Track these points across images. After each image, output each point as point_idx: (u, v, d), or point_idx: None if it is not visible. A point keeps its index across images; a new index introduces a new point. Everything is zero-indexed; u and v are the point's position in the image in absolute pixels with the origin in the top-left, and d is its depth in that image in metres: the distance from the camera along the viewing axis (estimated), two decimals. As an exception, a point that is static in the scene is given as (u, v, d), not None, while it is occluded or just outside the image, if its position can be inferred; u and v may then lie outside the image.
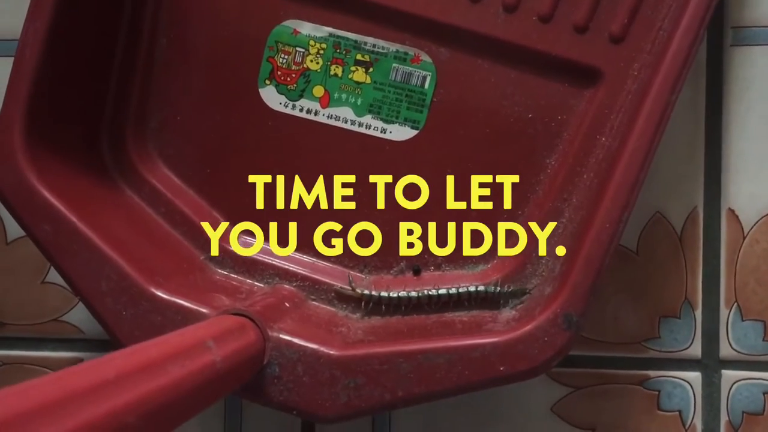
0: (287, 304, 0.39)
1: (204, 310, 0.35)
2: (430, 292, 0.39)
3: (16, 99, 0.36)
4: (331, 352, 0.34)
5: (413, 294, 0.40)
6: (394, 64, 0.42)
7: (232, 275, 0.42)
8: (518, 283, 0.39)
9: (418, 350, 0.34)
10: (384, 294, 0.40)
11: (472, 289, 0.39)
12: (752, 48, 0.41)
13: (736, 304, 0.42)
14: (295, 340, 0.35)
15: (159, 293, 0.35)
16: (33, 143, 0.36)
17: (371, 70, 0.42)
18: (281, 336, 0.35)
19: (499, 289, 0.39)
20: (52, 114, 0.38)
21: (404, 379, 0.34)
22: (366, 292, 0.40)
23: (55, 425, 0.18)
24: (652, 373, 0.42)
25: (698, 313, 0.42)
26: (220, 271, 0.42)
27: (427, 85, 0.42)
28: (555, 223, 0.39)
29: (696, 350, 0.42)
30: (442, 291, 0.39)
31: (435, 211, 0.41)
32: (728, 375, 0.42)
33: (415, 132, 0.42)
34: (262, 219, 0.43)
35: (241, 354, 0.30)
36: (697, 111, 0.42)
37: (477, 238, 0.41)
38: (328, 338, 0.36)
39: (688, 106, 0.42)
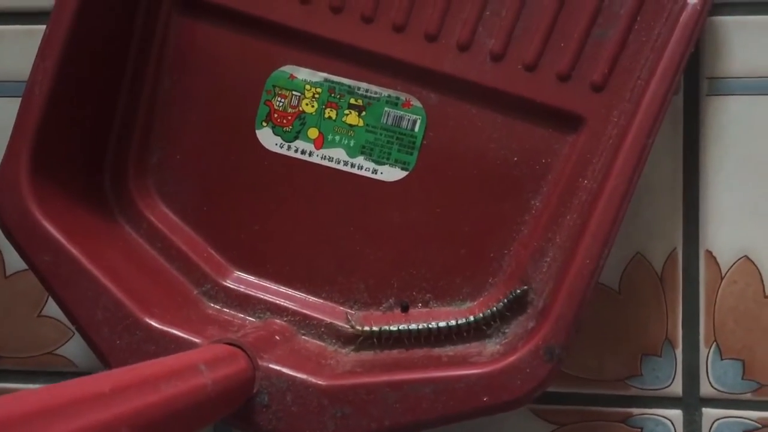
0: (278, 338, 0.40)
1: (197, 340, 0.36)
2: (430, 325, 0.40)
3: (23, 133, 0.38)
4: (320, 382, 0.35)
5: (413, 327, 0.40)
6: (386, 108, 0.44)
7: (225, 309, 0.43)
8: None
9: (405, 381, 0.35)
10: (385, 328, 0.41)
11: (471, 319, 0.40)
12: (727, 97, 0.43)
13: (715, 343, 0.43)
14: (285, 370, 0.35)
15: (153, 323, 0.36)
16: (37, 176, 0.38)
17: (364, 113, 0.44)
18: (271, 366, 0.36)
19: (497, 306, 0.40)
20: (57, 149, 0.40)
21: (391, 409, 0.35)
22: (366, 328, 0.41)
23: (48, 429, 0.19)
24: (635, 410, 0.43)
25: (679, 351, 0.43)
26: (212, 305, 0.43)
27: (417, 129, 0.43)
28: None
29: (677, 388, 0.43)
30: (442, 324, 0.40)
31: (424, 249, 0.43)
32: (709, 413, 0.43)
33: (405, 173, 0.44)
34: (256, 255, 0.44)
35: (232, 380, 0.31)
36: (676, 157, 0.43)
37: (465, 276, 0.42)
38: (317, 369, 0.37)
39: (667, 152, 0.43)
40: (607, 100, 0.41)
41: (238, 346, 0.35)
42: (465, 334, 0.40)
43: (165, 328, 0.36)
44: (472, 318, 0.40)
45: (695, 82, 0.43)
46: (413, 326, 0.40)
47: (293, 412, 0.35)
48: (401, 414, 0.35)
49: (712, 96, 0.43)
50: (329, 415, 0.35)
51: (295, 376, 0.35)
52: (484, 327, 0.40)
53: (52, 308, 0.46)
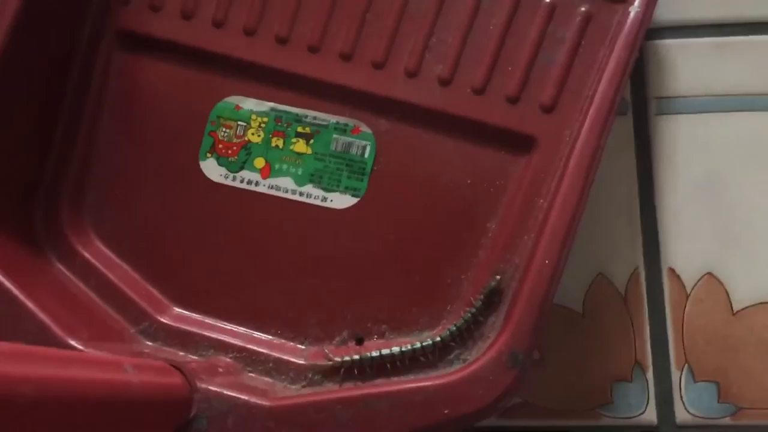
0: (221, 369, 0.37)
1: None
2: (414, 346, 0.37)
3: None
4: (264, 402, 0.32)
5: (395, 350, 0.37)
6: (334, 135, 0.43)
7: (164, 348, 0.40)
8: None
9: (357, 396, 0.32)
10: (366, 355, 0.38)
11: (453, 329, 0.37)
12: (676, 116, 0.43)
13: (687, 365, 0.41)
14: (226, 392, 0.32)
15: (79, 346, 0.33)
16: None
17: (312, 141, 0.43)
18: (210, 388, 0.32)
19: (476, 305, 0.37)
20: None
21: (344, 427, 0.32)
22: (347, 358, 0.38)
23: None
24: (609, 442, 0.40)
25: (650, 375, 0.41)
26: (150, 344, 0.40)
27: (366, 155, 0.42)
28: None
29: (651, 416, 0.40)
30: (426, 343, 0.37)
31: (378, 278, 0.41)
32: (687, 441, 0.40)
33: (356, 200, 0.42)
34: (199, 290, 0.41)
35: (162, 390, 0.28)
36: (630, 176, 0.43)
37: (421, 305, 0.40)
38: (262, 393, 0.33)
39: (622, 172, 0.43)
40: (557, 121, 0.41)
41: (175, 367, 0.31)
42: (436, 354, 0.37)
43: (81, 350, 0.33)
44: (454, 327, 0.37)
45: (643, 103, 0.44)
46: (395, 349, 0.37)
47: (235, 437, 0.31)
48: (355, 433, 0.31)
49: (661, 115, 0.43)
50: (275, 439, 0.31)
51: (238, 397, 0.32)
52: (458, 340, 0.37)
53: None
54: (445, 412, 0.31)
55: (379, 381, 0.36)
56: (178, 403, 0.30)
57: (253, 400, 0.32)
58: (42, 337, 0.33)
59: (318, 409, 0.32)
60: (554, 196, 0.37)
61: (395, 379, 0.38)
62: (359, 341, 0.40)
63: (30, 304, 0.33)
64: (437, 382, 0.32)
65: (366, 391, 0.32)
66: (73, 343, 0.33)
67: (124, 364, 0.26)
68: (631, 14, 0.39)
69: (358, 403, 0.32)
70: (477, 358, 0.33)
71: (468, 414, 0.31)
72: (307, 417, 0.32)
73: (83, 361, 0.23)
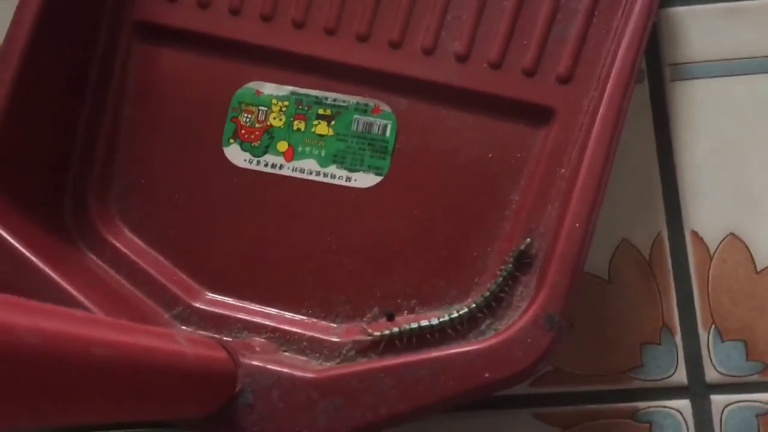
0: (258, 349, 0.37)
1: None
2: (452, 315, 0.38)
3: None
4: (308, 374, 0.33)
5: (434, 321, 0.38)
6: (355, 116, 0.43)
7: (199, 331, 0.40)
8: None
9: (399, 364, 0.33)
10: (405, 327, 0.38)
11: (487, 295, 0.38)
12: (691, 81, 0.44)
13: (713, 325, 0.41)
14: (269, 366, 0.33)
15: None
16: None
17: (333, 122, 0.43)
18: (254, 363, 0.33)
19: (506, 267, 0.38)
20: (15, 166, 0.38)
21: (386, 395, 0.32)
22: (386, 332, 0.38)
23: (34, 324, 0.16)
24: (641, 404, 0.41)
25: (678, 337, 0.41)
26: (185, 328, 0.41)
27: (388, 133, 0.43)
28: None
29: (681, 376, 0.41)
30: (463, 310, 0.38)
31: (405, 254, 0.41)
32: (718, 400, 0.41)
33: (379, 178, 0.43)
34: (228, 274, 0.42)
35: (212, 363, 0.29)
36: (649, 143, 0.43)
37: (449, 278, 0.41)
38: (304, 366, 0.34)
39: (640, 140, 0.43)
40: (574, 91, 0.41)
41: (217, 343, 0.32)
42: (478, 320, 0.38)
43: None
44: (487, 292, 0.38)
45: (658, 70, 0.44)
46: (434, 320, 0.38)
47: (280, 409, 0.32)
48: (398, 400, 0.32)
49: (676, 81, 0.44)
50: (320, 409, 0.32)
51: (281, 371, 0.33)
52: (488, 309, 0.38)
53: None
54: (486, 375, 0.32)
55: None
56: (225, 377, 0.30)
57: (298, 372, 0.33)
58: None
59: (361, 378, 0.32)
60: (578, 161, 0.37)
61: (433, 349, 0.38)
62: (390, 317, 0.41)
63: (74, 292, 0.34)
64: (477, 347, 0.33)
65: (407, 359, 0.33)
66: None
67: (176, 336, 0.26)
68: (646, -19, 0.39)
69: (400, 370, 0.32)
70: (514, 321, 0.34)
71: (508, 377, 0.32)
72: (351, 386, 0.32)
73: (144, 331, 0.23)
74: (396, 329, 0.38)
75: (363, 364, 0.33)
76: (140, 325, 0.24)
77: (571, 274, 0.34)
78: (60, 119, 0.41)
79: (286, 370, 0.33)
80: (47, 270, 0.34)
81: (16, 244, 0.34)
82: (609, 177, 0.36)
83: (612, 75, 0.39)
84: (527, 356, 0.32)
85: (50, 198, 0.41)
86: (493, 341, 0.33)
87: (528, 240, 0.38)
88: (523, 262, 0.38)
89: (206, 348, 0.29)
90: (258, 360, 0.33)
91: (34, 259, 0.35)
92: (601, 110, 0.37)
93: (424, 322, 0.38)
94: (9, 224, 0.35)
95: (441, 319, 0.38)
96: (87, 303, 0.34)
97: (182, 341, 0.26)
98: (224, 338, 0.40)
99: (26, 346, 0.16)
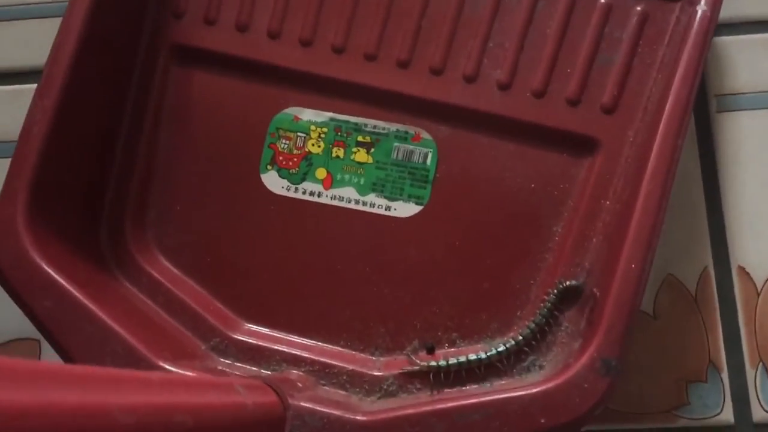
0: (300, 384, 0.37)
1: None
2: (499, 349, 0.37)
3: (20, 174, 0.35)
4: (358, 417, 0.32)
5: (482, 355, 0.37)
6: (395, 144, 0.42)
7: (237, 364, 0.40)
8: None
9: (452, 408, 0.32)
10: (453, 360, 0.37)
11: (527, 331, 0.37)
12: (737, 113, 0.43)
13: (761, 363, 0.41)
14: (318, 407, 0.32)
15: (168, 367, 0.33)
16: (34, 218, 0.35)
17: (373, 150, 0.43)
18: (302, 404, 0.32)
19: (548, 301, 0.37)
20: (54, 194, 0.37)
21: (438, 440, 0.31)
22: (433, 363, 0.38)
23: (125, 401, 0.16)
24: (686, 444, 0.40)
25: (725, 375, 0.41)
26: (223, 360, 0.40)
27: (429, 162, 0.42)
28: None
29: (728, 415, 0.40)
30: (501, 348, 0.37)
31: (445, 285, 0.40)
32: (765, 440, 0.40)
33: (419, 207, 0.42)
34: (266, 304, 0.41)
35: (267, 409, 0.28)
36: (695, 175, 0.43)
37: (491, 311, 0.40)
38: (350, 407, 0.33)
39: (686, 171, 0.43)
40: (619, 121, 0.41)
41: (268, 384, 0.31)
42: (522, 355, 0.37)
43: (182, 372, 0.33)
44: (534, 325, 0.37)
45: (704, 101, 0.43)
46: (481, 355, 0.37)
47: (330, 453, 0.31)
48: (451, 446, 0.31)
49: (722, 113, 0.43)
50: (370, 454, 0.31)
51: (330, 413, 0.32)
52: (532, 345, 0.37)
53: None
54: (542, 421, 0.31)
55: (466, 388, 0.36)
56: (276, 421, 0.29)
57: (347, 415, 0.32)
58: (130, 358, 0.33)
59: (413, 422, 0.32)
60: (631, 197, 0.37)
61: (474, 386, 0.37)
62: (430, 350, 0.40)
63: (115, 326, 0.33)
64: (531, 390, 0.32)
65: (460, 402, 0.32)
66: (162, 364, 0.33)
67: (235, 385, 0.26)
68: (699, 13, 0.38)
69: (453, 414, 0.32)
70: (568, 365, 0.33)
71: (564, 423, 0.31)
72: (402, 431, 0.31)
73: (211, 385, 0.22)
74: (443, 362, 0.37)
75: (413, 407, 0.32)
76: (205, 377, 0.23)
77: (627, 316, 0.33)
78: (98, 146, 0.41)
79: (335, 412, 0.32)
80: (88, 304, 0.34)
81: (59, 279, 0.34)
82: (664, 217, 0.35)
83: (666, 110, 0.38)
84: (584, 402, 0.32)
85: (88, 226, 0.40)
86: (548, 385, 0.32)
87: (582, 279, 0.38)
88: (566, 296, 0.38)
89: (261, 394, 0.28)
90: (306, 401, 0.32)
91: (75, 293, 0.34)
92: (655, 147, 0.36)
93: (473, 356, 0.37)
94: (50, 256, 0.35)
95: (489, 353, 0.37)
96: (127, 337, 0.34)
97: (242, 390, 0.25)
98: (262, 371, 0.39)
99: (122, 427, 0.15)
